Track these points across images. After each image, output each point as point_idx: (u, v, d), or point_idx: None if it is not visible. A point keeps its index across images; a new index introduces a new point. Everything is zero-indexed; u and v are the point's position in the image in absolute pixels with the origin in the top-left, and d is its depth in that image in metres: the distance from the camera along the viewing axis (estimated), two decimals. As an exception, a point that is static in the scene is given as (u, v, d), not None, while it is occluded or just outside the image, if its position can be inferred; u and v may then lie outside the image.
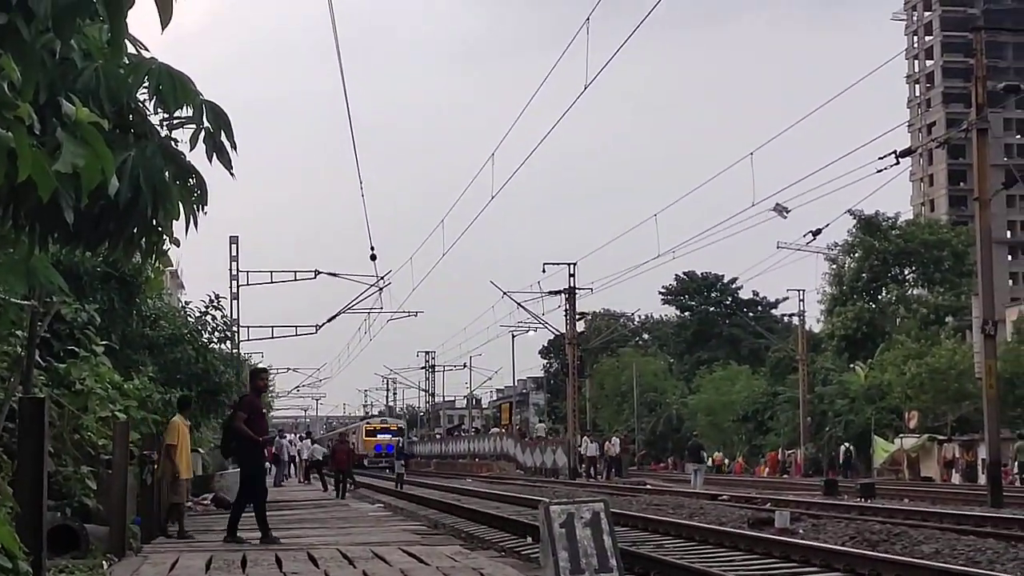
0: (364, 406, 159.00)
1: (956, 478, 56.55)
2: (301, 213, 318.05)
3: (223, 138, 6.33)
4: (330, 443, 57.35)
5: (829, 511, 28.30)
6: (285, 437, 58.46)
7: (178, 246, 7.49)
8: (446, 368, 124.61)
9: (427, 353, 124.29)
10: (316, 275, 54.96)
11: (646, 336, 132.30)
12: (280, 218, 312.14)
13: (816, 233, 45.49)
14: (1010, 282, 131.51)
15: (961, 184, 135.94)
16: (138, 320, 26.14)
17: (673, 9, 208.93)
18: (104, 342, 19.30)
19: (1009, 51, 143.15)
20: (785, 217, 43.63)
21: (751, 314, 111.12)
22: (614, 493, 40.36)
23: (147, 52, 6.26)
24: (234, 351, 47.11)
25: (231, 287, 52.51)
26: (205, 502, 28.82)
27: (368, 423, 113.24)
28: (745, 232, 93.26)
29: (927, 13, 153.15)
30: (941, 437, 62.35)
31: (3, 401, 13.37)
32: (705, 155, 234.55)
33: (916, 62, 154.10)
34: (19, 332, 14.87)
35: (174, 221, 6.39)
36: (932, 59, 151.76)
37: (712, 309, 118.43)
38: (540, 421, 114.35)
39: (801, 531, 22.02)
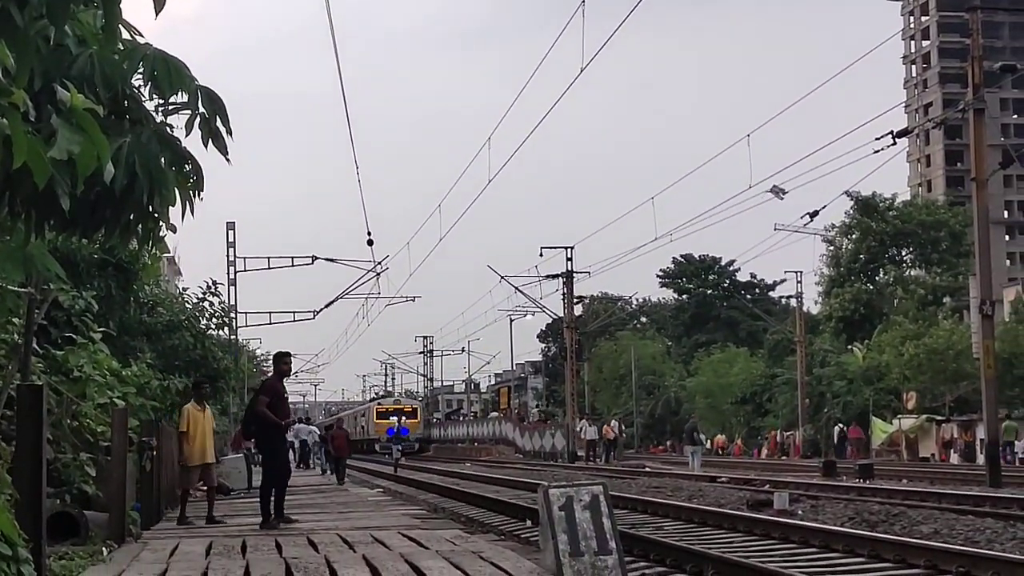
0: (363, 391, 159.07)
1: (954, 458, 56.63)
2: (298, 199, 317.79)
3: (219, 124, 6.32)
4: (326, 428, 57.15)
5: (828, 492, 28.34)
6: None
7: (174, 232, 7.47)
8: (444, 353, 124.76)
9: (425, 338, 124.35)
10: (313, 261, 54.94)
11: (644, 319, 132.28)
12: (277, 204, 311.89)
13: (813, 215, 45.45)
14: (1007, 262, 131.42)
15: (958, 164, 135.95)
16: (136, 307, 26.15)
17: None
18: (102, 329, 19.31)
19: (1006, 31, 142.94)
20: (782, 199, 43.66)
21: (749, 296, 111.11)
22: (613, 476, 40.40)
23: (141, 38, 6.24)
24: (232, 337, 47.15)
25: (228, 273, 52.50)
26: (204, 488, 28.78)
27: (379, 404, 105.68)
28: (742, 214, 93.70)
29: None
30: (939, 418, 62.42)
31: (1, 389, 13.38)
32: (702, 137, 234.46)
33: (912, 42, 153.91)
34: (16, 320, 14.88)
35: (170, 207, 6.39)
36: (928, 39, 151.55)
37: (710, 292, 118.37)
38: (536, 406, 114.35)
39: (800, 512, 22.04)
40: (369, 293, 62.47)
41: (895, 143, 34.93)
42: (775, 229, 67.49)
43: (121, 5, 5.59)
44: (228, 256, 53.00)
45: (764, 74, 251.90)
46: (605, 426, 70.89)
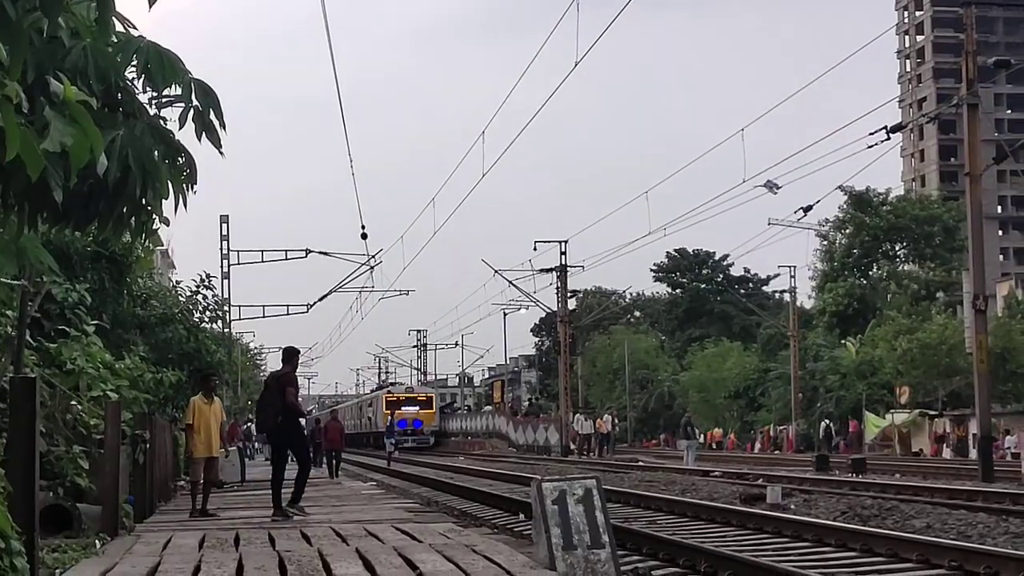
0: (357, 384, 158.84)
1: (947, 453, 56.75)
2: (292, 192, 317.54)
3: (212, 117, 6.31)
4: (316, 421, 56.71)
5: (821, 486, 28.38)
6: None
7: (168, 225, 7.48)
8: (438, 347, 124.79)
9: (419, 331, 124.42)
10: (307, 254, 54.95)
11: (638, 313, 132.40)
12: (271, 197, 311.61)
13: (807, 209, 45.52)
14: (1001, 257, 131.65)
15: (952, 159, 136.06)
16: (129, 300, 26.14)
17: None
18: (95, 322, 19.32)
19: (1000, 26, 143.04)
20: (776, 193, 43.72)
21: (742, 291, 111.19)
22: (606, 470, 40.42)
23: (135, 30, 6.24)
24: (225, 330, 47.13)
25: (222, 266, 52.47)
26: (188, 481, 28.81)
27: (389, 392, 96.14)
28: (736, 209, 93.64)
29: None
30: (932, 412, 62.54)
31: (-6, 381, 13.36)
32: (696, 132, 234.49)
33: (907, 37, 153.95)
34: (9, 312, 14.88)
35: (163, 200, 6.38)
36: (923, 34, 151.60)
37: (703, 286, 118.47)
38: (526, 400, 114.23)
39: (793, 507, 22.08)
40: (363, 287, 62.56)
41: (889, 138, 35.00)
42: (769, 224, 67.62)
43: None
44: (222, 249, 53.00)
45: (758, 69, 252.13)
46: (598, 420, 70.94)
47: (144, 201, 6.29)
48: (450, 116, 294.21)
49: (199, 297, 32.66)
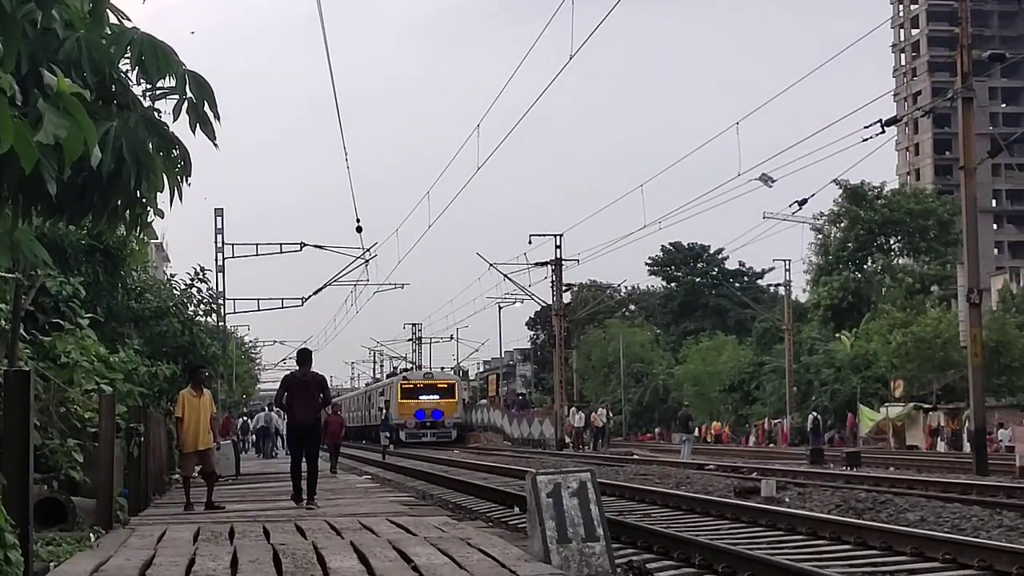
0: (352, 378, 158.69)
1: (941, 446, 56.77)
2: (287, 185, 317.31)
3: (206, 109, 6.30)
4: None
5: (815, 480, 28.42)
6: (273, 409, 58.55)
7: (162, 218, 7.47)
8: (433, 340, 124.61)
9: (414, 325, 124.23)
10: (302, 247, 54.83)
11: (632, 307, 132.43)
12: (266, 190, 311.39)
13: (802, 203, 45.46)
14: (995, 251, 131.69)
15: (947, 153, 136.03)
16: (123, 293, 26.12)
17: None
18: (89, 315, 19.30)
19: (995, 19, 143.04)
20: (771, 187, 43.64)
21: (737, 284, 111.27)
22: (601, 463, 40.46)
23: (129, 22, 6.22)
24: (220, 324, 47.11)
25: (216, 260, 52.38)
26: (192, 475, 28.78)
27: (405, 379, 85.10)
28: (731, 202, 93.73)
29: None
30: (926, 406, 62.57)
31: (-12, 375, 13.34)
32: (691, 125, 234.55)
33: (901, 31, 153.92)
34: (3, 305, 14.86)
35: (158, 193, 6.37)
36: (918, 28, 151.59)
37: (698, 280, 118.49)
38: (519, 393, 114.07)
39: (787, 500, 22.11)
40: (358, 280, 62.53)
41: (884, 131, 34.99)
42: (764, 217, 67.74)
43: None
44: (216, 242, 52.92)
45: (753, 62, 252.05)
46: (593, 414, 70.97)
47: (138, 194, 6.28)
48: (445, 110, 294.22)
49: (194, 291, 32.66)
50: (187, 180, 6.53)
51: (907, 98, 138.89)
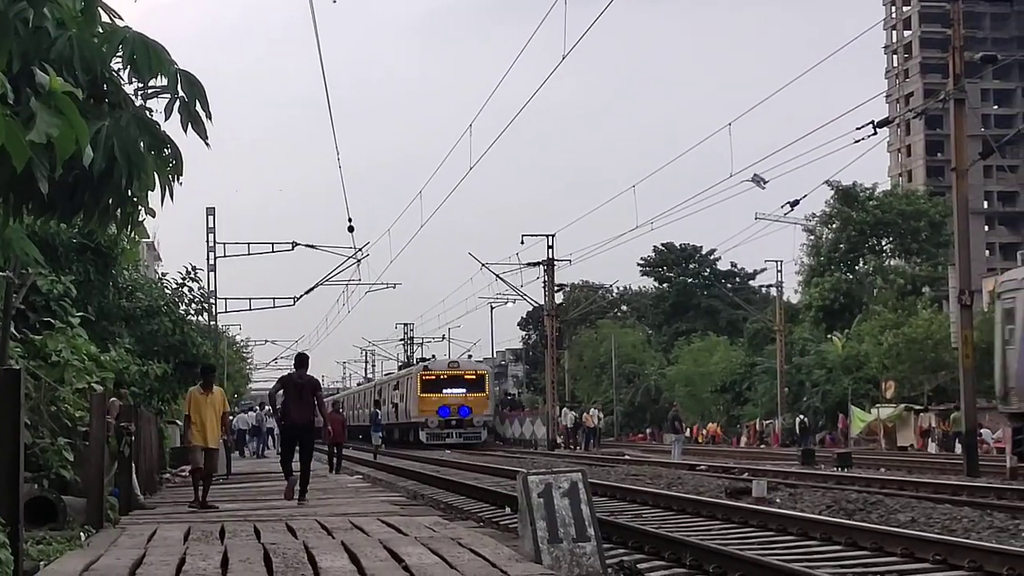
0: (344, 378, 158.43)
1: (932, 447, 56.85)
2: (279, 185, 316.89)
3: (198, 108, 6.30)
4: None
5: (806, 480, 28.45)
6: (264, 409, 58.54)
7: (153, 217, 7.47)
8: (425, 340, 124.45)
9: (406, 325, 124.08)
10: (294, 247, 54.84)
11: (624, 307, 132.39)
12: (258, 190, 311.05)
13: (794, 204, 45.57)
14: (987, 252, 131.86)
15: (938, 155, 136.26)
16: (114, 292, 26.09)
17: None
18: (80, 314, 19.28)
19: (987, 21, 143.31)
20: (763, 188, 43.70)
21: (729, 285, 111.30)
22: (592, 464, 40.47)
23: (121, 21, 6.22)
24: (211, 323, 47.06)
25: (208, 259, 52.35)
26: (183, 473, 28.77)
27: (426, 369, 73.06)
28: (723, 203, 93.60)
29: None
30: (918, 407, 62.63)
31: (-21, 373, 13.32)
32: (683, 126, 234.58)
33: (894, 32, 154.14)
34: (-6, 304, 14.80)
35: (149, 192, 6.37)
36: (910, 29, 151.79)
37: (690, 280, 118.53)
38: (508, 394, 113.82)
39: (778, 500, 22.13)
40: (350, 280, 62.42)
41: (876, 133, 35.03)
42: (756, 218, 67.83)
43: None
44: (208, 242, 52.88)
45: (746, 63, 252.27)
46: (585, 414, 70.97)
47: (130, 192, 6.28)
48: (438, 110, 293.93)
49: (185, 290, 32.61)
50: (178, 179, 6.53)
51: (899, 99, 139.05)
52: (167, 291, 31.86)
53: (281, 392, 19.79)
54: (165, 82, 6.21)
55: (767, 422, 78.34)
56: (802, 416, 68.78)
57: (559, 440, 68.21)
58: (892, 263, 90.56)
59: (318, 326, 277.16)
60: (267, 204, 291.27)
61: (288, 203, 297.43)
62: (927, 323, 67.56)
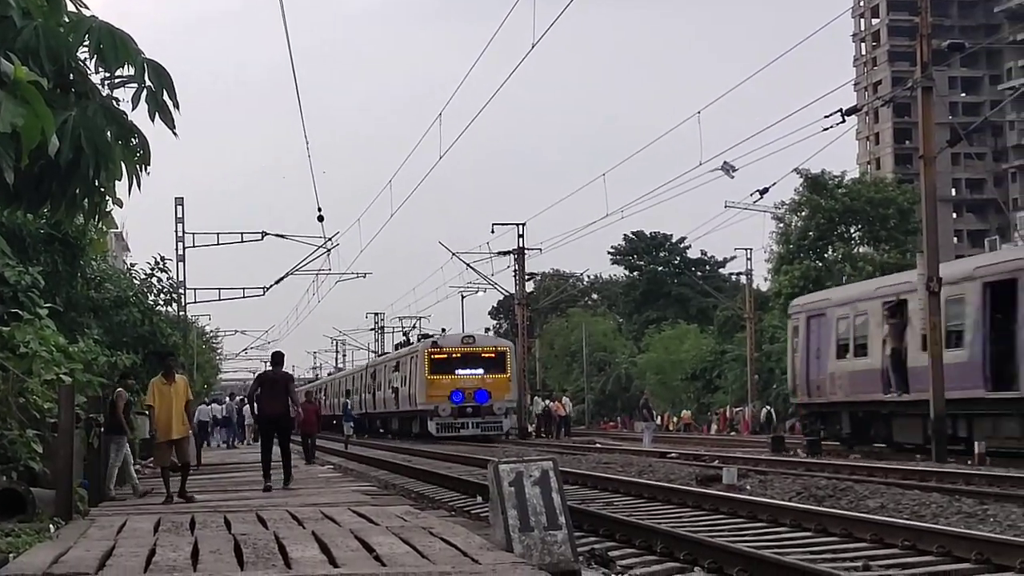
0: (315, 368, 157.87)
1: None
2: (248, 174, 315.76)
3: (166, 97, 6.27)
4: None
5: (776, 467, 28.57)
6: (235, 399, 58.40)
7: (121, 207, 7.44)
8: (395, 330, 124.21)
9: (376, 314, 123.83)
10: (263, 236, 54.61)
11: (595, 296, 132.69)
12: (226, 180, 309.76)
13: (763, 192, 45.49)
14: (955, 239, 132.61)
15: (907, 142, 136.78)
16: (82, 282, 25.99)
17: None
18: (48, 305, 19.19)
19: (954, 9, 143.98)
20: (732, 176, 43.71)
21: (699, 273, 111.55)
22: (563, 452, 40.52)
23: (87, 10, 6.18)
24: (181, 313, 46.89)
25: (177, 249, 52.16)
26: (152, 465, 28.67)
27: (435, 346, 61.13)
28: (693, 191, 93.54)
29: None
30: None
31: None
32: (652, 114, 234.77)
33: (862, 20, 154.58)
34: (-39, 295, 14.72)
35: (117, 181, 6.34)
36: (878, 17, 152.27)
37: (661, 268, 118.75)
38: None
39: (748, 487, 22.21)
40: (320, 269, 62.16)
41: (844, 121, 35.09)
42: (725, 206, 67.83)
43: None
44: (177, 232, 52.68)
45: (714, 51, 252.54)
46: (556, 403, 71.07)
47: (97, 182, 6.25)
48: (408, 98, 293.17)
49: (154, 280, 32.50)
50: (146, 169, 6.50)
51: (868, 88, 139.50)
52: (136, 281, 31.73)
53: (259, 390, 20.97)
54: (132, 71, 6.17)
55: (737, 409, 78.60)
56: (768, 408, 69.04)
57: (530, 428, 68.27)
58: (861, 250, 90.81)
59: (288, 316, 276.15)
60: (236, 193, 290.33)
61: (258, 192, 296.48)
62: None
